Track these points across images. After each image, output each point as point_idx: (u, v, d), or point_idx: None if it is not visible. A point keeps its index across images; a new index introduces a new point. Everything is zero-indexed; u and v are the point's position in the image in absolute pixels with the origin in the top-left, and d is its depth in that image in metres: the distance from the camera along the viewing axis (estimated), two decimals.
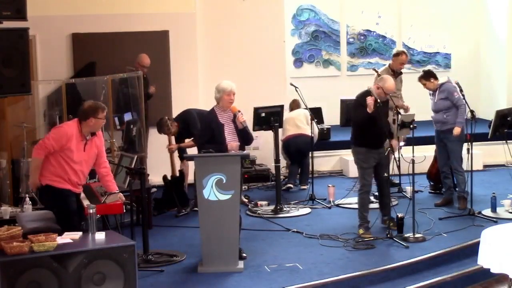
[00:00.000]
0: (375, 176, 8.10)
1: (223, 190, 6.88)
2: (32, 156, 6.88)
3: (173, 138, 9.42)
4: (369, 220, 8.11)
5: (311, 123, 9.84)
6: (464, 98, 8.74)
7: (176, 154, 9.44)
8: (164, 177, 9.39)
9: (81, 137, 6.80)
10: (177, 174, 9.36)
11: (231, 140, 7.25)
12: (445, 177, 9.10)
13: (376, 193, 8.65)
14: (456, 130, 8.71)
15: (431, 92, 9.01)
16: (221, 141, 7.20)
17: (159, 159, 9.45)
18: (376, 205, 8.54)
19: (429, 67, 10.42)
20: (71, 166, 6.75)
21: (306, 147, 10.11)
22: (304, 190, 10.02)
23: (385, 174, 8.03)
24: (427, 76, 8.88)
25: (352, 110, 8.25)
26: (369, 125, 7.75)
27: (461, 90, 8.78)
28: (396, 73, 9.58)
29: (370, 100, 7.58)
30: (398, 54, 9.67)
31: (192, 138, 9.26)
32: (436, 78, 8.89)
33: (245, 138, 7.38)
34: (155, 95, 10.42)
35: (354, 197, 9.45)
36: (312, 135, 9.87)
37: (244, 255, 7.23)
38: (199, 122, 9.03)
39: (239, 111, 7.31)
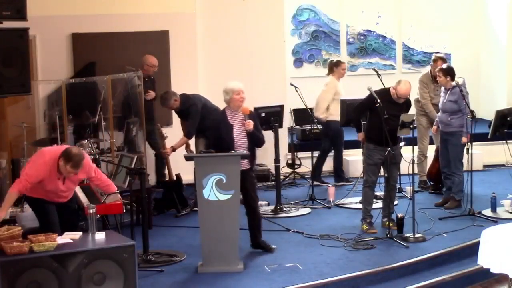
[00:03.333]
0: (385, 176, 8.18)
1: (223, 190, 6.88)
2: (9, 190, 6.46)
3: (166, 143, 9.39)
4: (372, 215, 8.16)
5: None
6: (464, 99, 8.70)
7: (173, 157, 9.37)
8: (162, 181, 9.41)
9: (56, 174, 6.46)
10: (174, 178, 9.36)
11: (240, 142, 7.22)
12: (446, 178, 9.12)
13: (376, 193, 8.65)
14: (464, 140, 8.72)
15: (443, 90, 9.01)
16: (229, 141, 7.17)
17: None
18: (376, 205, 8.53)
19: (429, 67, 10.40)
20: (45, 189, 6.51)
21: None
22: (311, 189, 9.81)
23: (392, 183, 8.15)
24: (445, 72, 8.85)
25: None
26: (372, 121, 7.98)
27: (461, 91, 8.74)
28: (435, 79, 9.66)
29: None
30: (435, 60, 9.84)
31: (187, 131, 9.24)
32: (452, 79, 8.82)
33: (255, 141, 7.36)
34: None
35: (354, 197, 9.50)
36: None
37: (273, 246, 7.48)
38: (206, 119, 9.07)
39: (250, 113, 7.30)
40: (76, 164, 6.36)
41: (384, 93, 8.06)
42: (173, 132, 9.66)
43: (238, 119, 7.29)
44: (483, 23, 13.57)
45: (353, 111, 8.56)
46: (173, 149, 9.24)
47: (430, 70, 9.95)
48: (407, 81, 8.04)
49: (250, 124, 7.20)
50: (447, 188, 9.16)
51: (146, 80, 9.96)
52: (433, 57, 10.13)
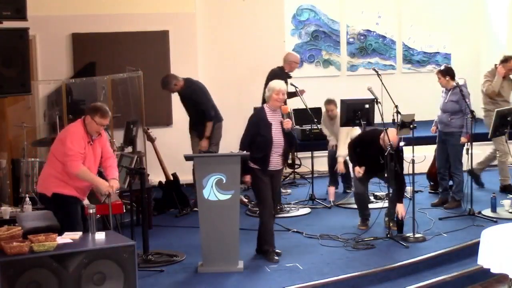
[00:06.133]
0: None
1: (223, 190, 6.89)
2: (74, 172, 6.40)
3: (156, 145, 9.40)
4: (367, 213, 8.24)
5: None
6: (465, 99, 8.69)
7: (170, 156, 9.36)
8: (160, 182, 9.43)
9: (87, 137, 6.55)
10: (171, 178, 9.37)
11: (278, 141, 7.18)
12: (442, 178, 9.13)
13: (376, 193, 8.67)
14: (463, 140, 8.72)
15: (443, 90, 9.00)
16: (267, 139, 7.14)
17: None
18: (376, 205, 8.54)
19: (429, 67, 10.44)
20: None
21: None
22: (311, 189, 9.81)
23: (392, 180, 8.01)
24: (443, 73, 8.86)
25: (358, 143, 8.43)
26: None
27: (461, 91, 8.73)
28: (504, 78, 9.70)
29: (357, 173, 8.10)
30: (506, 60, 9.80)
31: (205, 114, 9.17)
32: (452, 78, 8.84)
33: (290, 141, 7.32)
34: (154, 94, 10.40)
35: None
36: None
37: (279, 251, 7.32)
38: None
39: (288, 113, 7.32)
40: (104, 113, 6.49)
41: (373, 135, 8.07)
42: (173, 133, 9.65)
43: (277, 118, 7.25)
44: (483, 23, 13.56)
45: (349, 156, 8.58)
46: (208, 138, 9.23)
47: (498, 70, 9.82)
48: (391, 129, 7.89)
49: (289, 123, 7.23)
50: (443, 189, 9.16)
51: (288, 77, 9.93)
52: (502, 58, 9.92)
